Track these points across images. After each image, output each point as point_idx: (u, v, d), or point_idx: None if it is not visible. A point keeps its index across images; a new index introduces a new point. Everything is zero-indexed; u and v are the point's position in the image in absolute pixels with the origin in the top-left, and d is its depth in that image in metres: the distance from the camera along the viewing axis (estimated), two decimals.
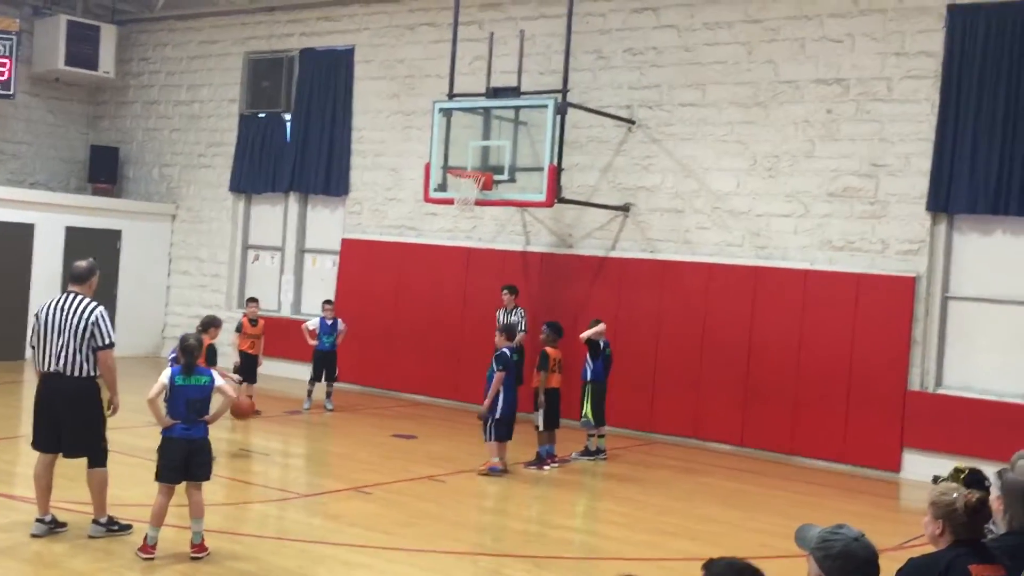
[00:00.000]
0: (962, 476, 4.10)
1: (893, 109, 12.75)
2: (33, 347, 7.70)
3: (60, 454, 7.82)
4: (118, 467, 10.45)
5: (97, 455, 7.75)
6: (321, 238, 18.01)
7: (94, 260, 7.91)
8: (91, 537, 7.69)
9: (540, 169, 13.27)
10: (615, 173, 14.76)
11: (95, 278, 7.82)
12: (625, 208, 14.58)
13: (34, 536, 7.63)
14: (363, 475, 10.56)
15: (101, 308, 7.63)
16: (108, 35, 19.07)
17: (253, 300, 14.52)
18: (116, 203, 19.30)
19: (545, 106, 13.20)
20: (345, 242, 17.35)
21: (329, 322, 14.70)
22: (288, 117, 18.23)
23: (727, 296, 13.65)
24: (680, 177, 14.26)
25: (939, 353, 12.60)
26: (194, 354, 7.49)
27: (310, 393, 14.59)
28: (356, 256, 17.14)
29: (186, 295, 19.19)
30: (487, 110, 14.01)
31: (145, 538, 7.33)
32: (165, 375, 7.45)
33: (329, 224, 17.88)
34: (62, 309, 7.55)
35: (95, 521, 7.77)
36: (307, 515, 9.00)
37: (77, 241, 18.27)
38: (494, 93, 13.79)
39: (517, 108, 13.87)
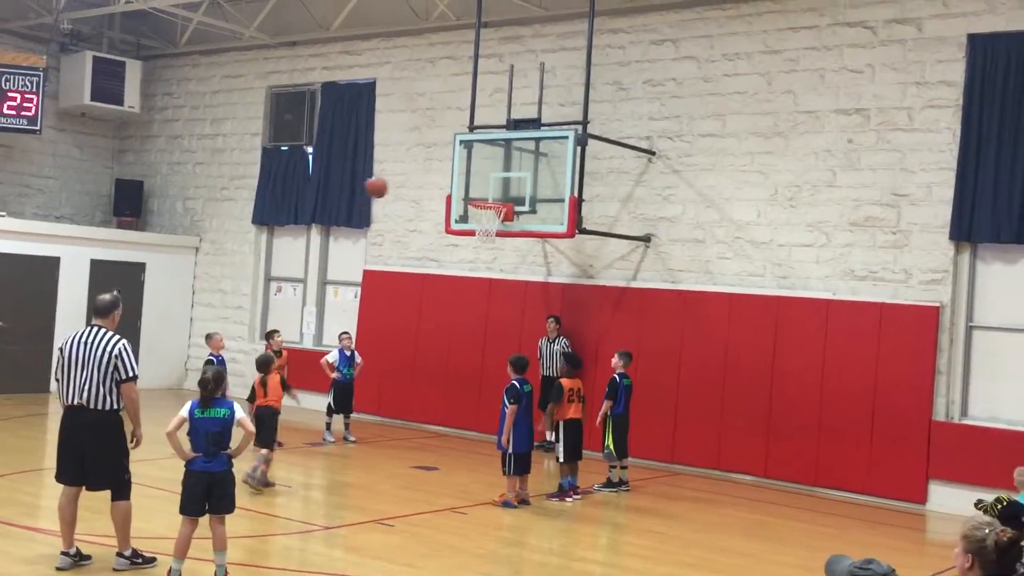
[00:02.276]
0: (1000, 507, 4.06)
1: (914, 138, 12.73)
2: (58, 380, 7.77)
3: (84, 487, 7.85)
4: (142, 499, 10.48)
5: (121, 488, 7.77)
6: (343, 270, 18.10)
7: (117, 293, 7.99)
8: (115, 571, 7.71)
9: (561, 200, 13.30)
10: (636, 204, 14.78)
11: (118, 311, 7.90)
12: (646, 239, 14.59)
13: (59, 570, 7.65)
14: (385, 507, 10.54)
15: (124, 341, 7.70)
16: (133, 70, 19.32)
17: (276, 332, 14.60)
18: (140, 236, 19.48)
19: (566, 137, 13.25)
20: (367, 273, 17.42)
21: (348, 354, 14.75)
22: (310, 150, 18.39)
23: (749, 326, 13.60)
24: (701, 207, 14.27)
25: (964, 383, 12.50)
26: (209, 387, 7.52)
27: (329, 425, 14.61)
28: (378, 287, 17.21)
29: (209, 327, 19.21)
30: (508, 142, 14.08)
31: (169, 571, 7.34)
32: (185, 409, 7.50)
33: (351, 256, 17.97)
34: (86, 342, 7.63)
35: (119, 554, 7.78)
36: (329, 547, 9.00)
37: (102, 274, 18.43)
38: (515, 125, 13.86)
39: (537, 140, 13.93)
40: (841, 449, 12.80)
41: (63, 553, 7.74)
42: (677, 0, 14.45)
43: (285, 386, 11.64)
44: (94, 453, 7.64)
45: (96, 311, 7.84)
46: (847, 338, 12.92)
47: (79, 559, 7.77)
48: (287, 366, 14.22)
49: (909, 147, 12.77)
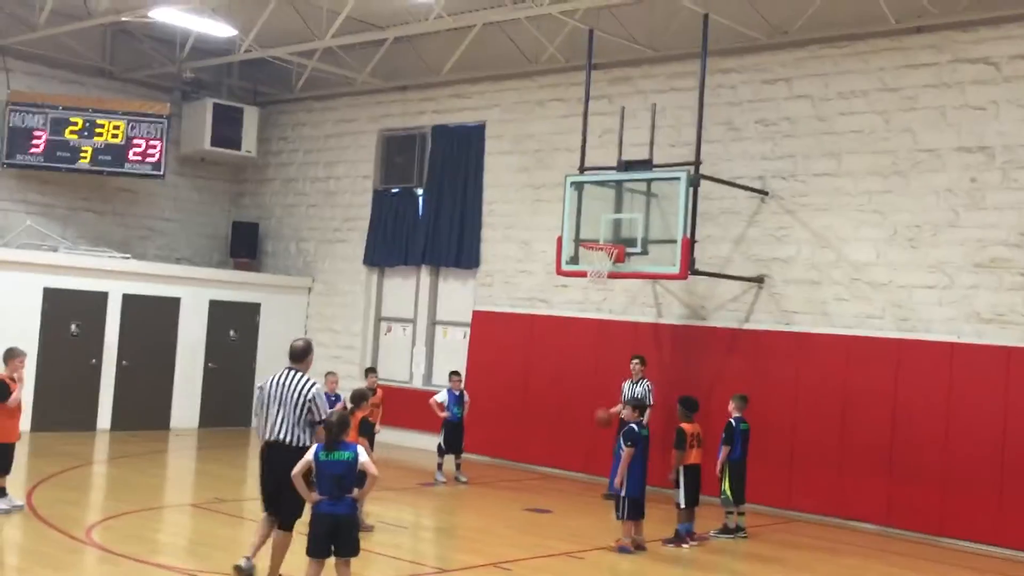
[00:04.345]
0: None
1: None
2: (256, 416, 8.45)
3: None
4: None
5: (289, 519, 8.26)
6: (452, 310, 18.26)
7: (309, 340, 8.65)
8: None
9: (672, 241, 13.21)
10: (748, 244, 14.60)
11: (311, 356, 8.58)
12: (759, 279, 14.39)
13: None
14: (500, 550, 10.52)
15: (319, 386, 8.38)
16: (251, 116, 19.94)
17: (372, 370, 14.72)
18: (256, 277, 19.99)
19: (677, 178, 13.18)
20: (476, 314, 17.54)
21: (456, 393, 14.83)
22: (420, 192, 18.66)
23: (868, 369, 13.26)
24: (816, 248, 14.02)
25: None
26: (333, 431, 7.63)
27: (440, 466, 14.68)
28: (487, 327, 17.30)
29: (321, 366, 19.52)
30: (618, 183, 14.07)
31: None
32: (310, 452, 7.63)
33: (460, 296, 18.13)
34: (282, 384, 8.26)
35: None
36: None
37: (220, 314, 19.00)
38: (626, 166, 13.86)
39: (649, 181, 13.90)
40: (969, 497, 12.33)
41: (246, 558, 8.31)
42: (790, 40, 14.30)
43: (367, 431, 11.32)
44: (284, 486, 8.01)
45: (292, 356, 8.46)
46: (972, 382, 12.49)
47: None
48: (382, 405, 14.27)
49: None
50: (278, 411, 8.19)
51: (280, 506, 8.23)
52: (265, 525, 8.39)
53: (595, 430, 14.14)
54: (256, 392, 8.57)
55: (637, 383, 13.84)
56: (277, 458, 8.18)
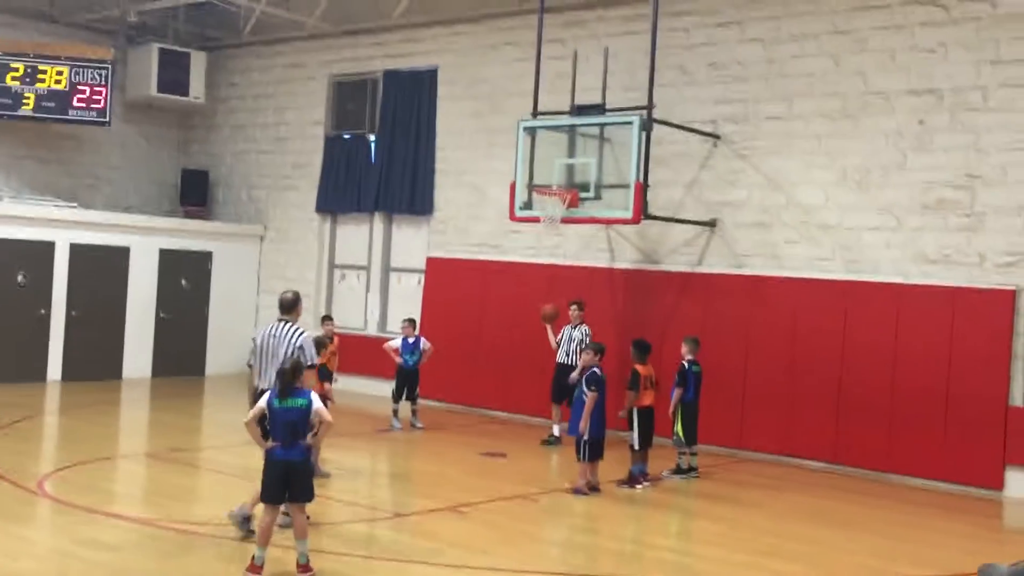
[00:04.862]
0: None
1: (989, 119, 12.47)
2: (250, 366, 8.90)
3: None
4: (220, 487, 10.73)
5: None
6: (406, 257, 18.21)
7: (297, 292, 9.02)
8: (228, 515, 8.46)
9: (625, 186, 13.24)
10: (700, 188, 14.67)
11: (300, 306, 8.93)
12: (712, 223, 14.48)
13: (228, 515, 8.51)
14: (456, 494, 10.62)
15: (308, 333, 8.74)
16: (198, 61, 19.55)
17: (329, 318, 14.59)
18: (207, 226, 19.75)
19: (630, 123, 13.17)
20: (430, 260, 17.51)
21: (411, 341, 14.82)
22: (372, 138, 18.49)
23: (818, 311, 13.45)
24: (767, 191, 14.12)
25: None
26: (285, 378, 7.62)
27: (395, 412, 14.73)
28: (441, 274, 17.29)
29: (275, 314, 19.40)
30: (572, 127, 14.04)
31: (252, 558, 7.46)
32: (263, 399, 7.63)
33: (414, 243, 18.07)
34: (276, 335, 8.61)
35: (240, 515, 8.43)
36: (409, 535, 9.07)
37: (170, 263, 18.78)
38: (579, 111, 13.81)
39: (602, 125, 13.87)
40: (914, 435, 12.62)
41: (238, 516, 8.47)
42: None
43: (326, 376, 11.39)
44: None
45: (282, 307, 8.83)
46: (919, 322, 12.72)
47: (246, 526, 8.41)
48: (338, 353, 14.25)
49: (984, 127, 12.50)
50: (271, 360, 8.48)
51: None
52: None
53: (549, 373, 14.21)
54: (250, 344, 8.90)
55: (575, 327, 13.85)
56: None
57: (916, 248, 12.96)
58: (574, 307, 13.99)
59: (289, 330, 8.60)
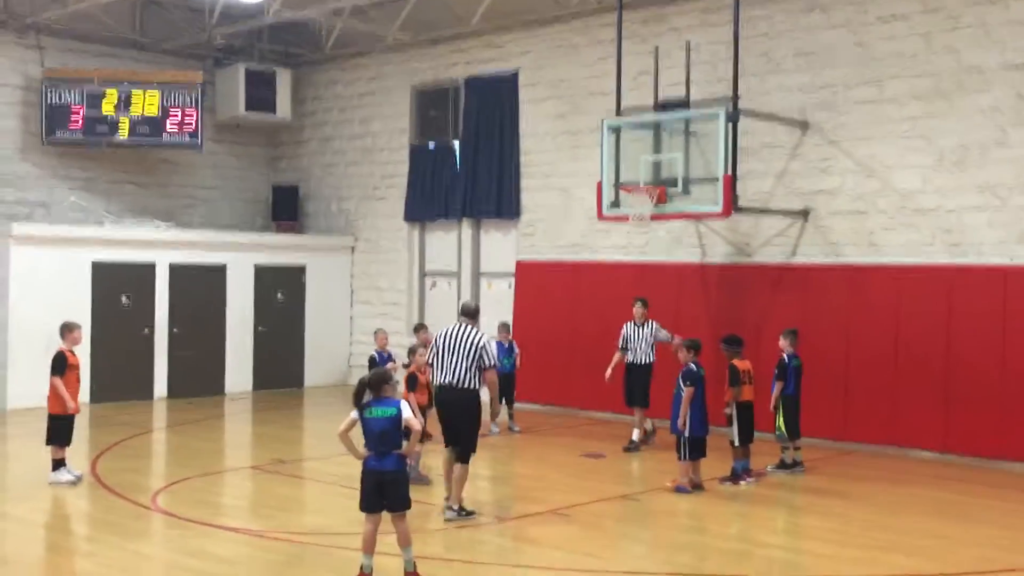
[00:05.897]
0: None
1: None
2: (430, 365, 9.78)
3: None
4: (322, 496, 10.88)
5: (465, 453, 9.48)
6: (495, 261, 18.25)
7: (478, 302, 9.99)
8: (447, 521, 9.29)
9: (714, 179, 13.07)
10: (791, 178, 14.41)
11: (479, 314, 9.85)
12: (804, 213, 14.21)
13: (447, 520, 9.35)
14: (558, 496, 10.59)
15: (487, 337, 9.60)
16: (283, 79, 19.93)
17: (423, 327, 14.60)
18: (299, 239, 20.11)
19: (716, 116, 13.01)
20: (519, 264, 17.53)
21: (506, 345, 14.85)
22: (457, 144, 18.59)
23: (920, 297, 13.09)
24: (861, 178, 13.80)
25: None
26: (371, 388, 7.60)
27: (494, 416, 14.74)
28: (531, 277, 17.30)
29: (369, 324, 19.71)
30: (656, 124, 13.91)
31: (361, 567, 7.53)
32: (354, 411, 7.63)
33: (503, 247, 18.11)
34: (455, 336, 9.45)
35: (449, 507, 9.44)
36: (512, 540, 9.09)
37: (266, 277, 19.16)
38: (662, 107, 13.69)
39: (687, 120, 13.72)
40: None
41: (448, 507, 9.45)
42: None
43: (413, 387, 11.13)
44: (458, 423, 9.43)
45: (465, 313, 9.71)
46: None
47: (464, 514, 9.42)
48: None
49: None
50: (451, 359, 9.33)
51: (457, 441, 9.46)
52: (449, 458, 9.55)
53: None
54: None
55: (641, 325, 13.43)
56: (450, 398, 9.43)
57: (1022, 227, 12.52)
58: (638, 304, 13.53)
59: (470, 332, 9.40)
